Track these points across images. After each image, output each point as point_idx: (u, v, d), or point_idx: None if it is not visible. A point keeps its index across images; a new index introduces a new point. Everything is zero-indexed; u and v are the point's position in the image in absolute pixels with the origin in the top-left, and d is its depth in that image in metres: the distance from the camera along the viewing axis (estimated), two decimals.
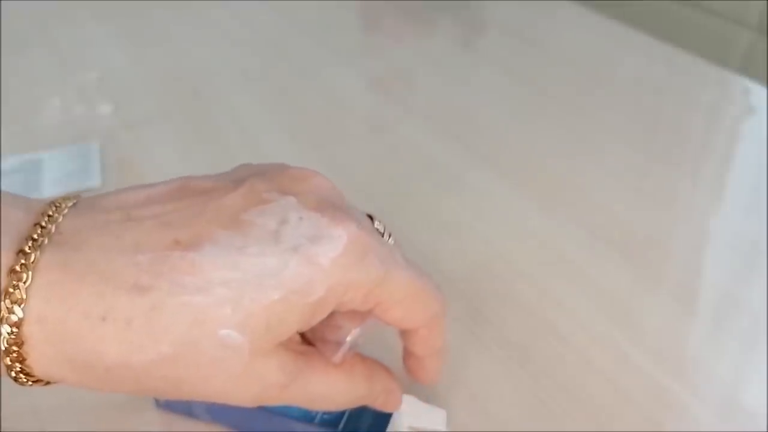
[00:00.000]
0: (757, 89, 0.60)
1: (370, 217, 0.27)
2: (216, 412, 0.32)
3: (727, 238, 0.44)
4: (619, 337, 0.37)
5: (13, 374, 0.22)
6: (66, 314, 0.21)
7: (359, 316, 0.25)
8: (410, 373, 0.28)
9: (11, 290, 0.20)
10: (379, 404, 0.28)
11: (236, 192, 0.23)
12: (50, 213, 0.22)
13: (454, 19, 0.73)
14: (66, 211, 0.23)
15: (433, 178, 0.49)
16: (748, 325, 0.38)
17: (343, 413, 0.31)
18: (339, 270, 0.23)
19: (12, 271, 0.20)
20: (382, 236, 0.26)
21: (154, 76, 0.61)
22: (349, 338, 0.25)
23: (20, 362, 0.21)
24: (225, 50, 0.66)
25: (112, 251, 0.21)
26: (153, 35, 0.68)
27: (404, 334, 0.27)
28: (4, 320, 0.20)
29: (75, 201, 0.24)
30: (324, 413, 0.30)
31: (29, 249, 0.21)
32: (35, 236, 0.21)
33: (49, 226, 0.22)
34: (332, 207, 0.24)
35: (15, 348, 0.21)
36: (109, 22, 0.70)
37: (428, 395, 0.33)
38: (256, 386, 0.23)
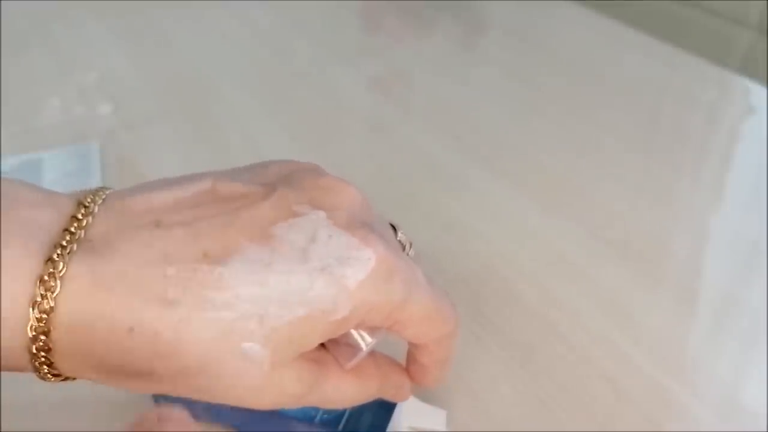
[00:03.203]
0: (757, 89, 0.60)
1: (393, 227, 0.26)
2: (216, 412, 0.32)
3: (727, 238, 0.44)
4: (619, 337, 0.37)
5: (40, 375, 0.22)
6: (94, 324, 0.21)
7: (376, 326, 0.25)
8: (412, 377, 0.28)
9: (39, 300, 0.20)
10: (389, 398, 0.28)
11: (266, 202, 0.23)
12: (79, 216, 0.22)
13: (454, 19, 0.73)
14: (96, 210, 0.23)
15: (433, 178, 0.49)
16: (748, 325, 0.38)
17: (343, 413, 0.31)
18: (364, 292, 0.23)
19: (41, 280, 0.20)
20: (404, 249, 0.26)
21: (154, 76, 0.61)
22: (364, 348, 0.25)
23: (48, 365, 0.22)
24: (225, 50, 0.66)
25: (141, 262, 0.21)
26: (153, 35, 0.68)
27: (413, 344, 0.27)
28: (32, 328, 0.21)
29: (104, 197, 0.23)
30: (324, 413, 0.30)
31: (57, 257, 0.21)
32: (64, 243, 0.21)
33: (78, 232, 0.22)
34: (362, 225, 0.23)
35: (43, 354, 0.21)
36: (109, 22, 0.70)
37: (428, 395, 0.33)
38: (274, 395, 0.23)
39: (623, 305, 0.39)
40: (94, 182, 0.48)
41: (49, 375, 0.22)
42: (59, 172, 0.49)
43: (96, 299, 0.21)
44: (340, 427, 0.30)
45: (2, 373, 0.22)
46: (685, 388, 0.35)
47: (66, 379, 0.23)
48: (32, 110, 0.56)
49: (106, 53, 0.65)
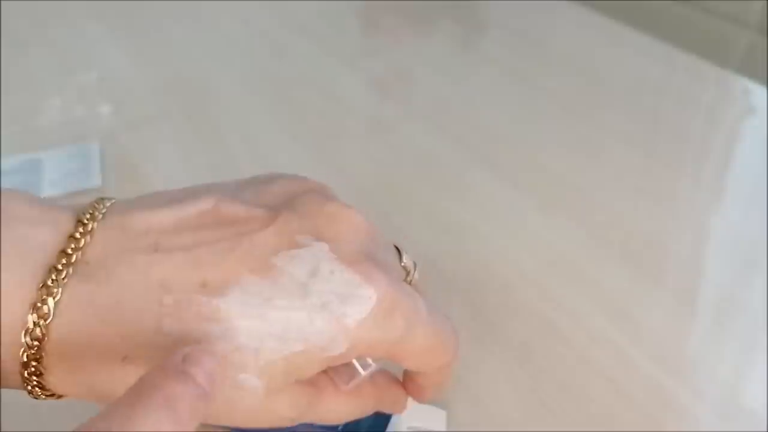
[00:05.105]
0: (757, 89, 0.60)
1: (398, 250, 0.26)
2: None
3: (727, 238, 0.44)
4: (619, 337, 0.37)
5: (33, 396, 0.22)
6: (87, 352, 0.21)
7: None
8: (408, 392, 0.28)
9: (32, 327, 0.20)
10: (385, 410, 0.28)
11: (268, 230, 0.23)
12: (77, 235, 0.22)
13: (454, 19, 0.73)
14: (95, 227, 0.22)
15: (434, 178, 0.49)
16: (748, 325, 0.38)
17: None
18: (363, 330, 0.22)
19: (34, 307, 0.20)
20: (408, 274, 0.26)
21: (154, 76, 0.61)
22: (363, 374, 0.25)
23: (40, 388, 0.21)
24: (225, 50, 0.66)
25: (137, 289, 0.21)
26: (153, 35, 0.68)
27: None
28: (24, 354, 0.20)
29: (104, 211, 0.23)
30: None
31: (52, 282, 0.20)
32: (60, 266, 0.21)
33: (75, 253, 0.21)
34: (365, 259, 0.23)
35: (35, 378, 0.21)
36: (109, 22, 0.70)
37: None
38: (268, 419, 0.23)
39: (623, 305, 0.39)
40: (94, 182, 0.48)
41: (42, 396, 0.22)
42: (59, 172, 0.49)
43: (90, 328, 0.20)
44: (340, 427, 0.30)
45: None
46: (685, 388, 0.35)
47: (59, 397, 0.22)
48: (32, 110, 0.56)
49: (106, 53, 0.65)
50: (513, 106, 0.58)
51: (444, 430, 0.32)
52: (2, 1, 0.71)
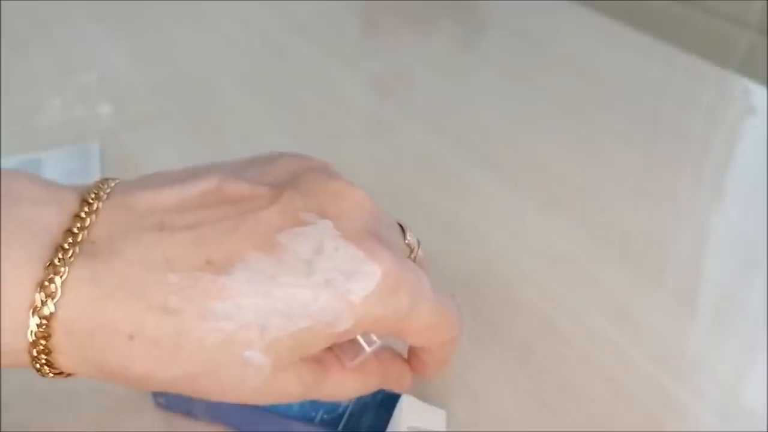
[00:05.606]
0: (757, 89, 0.60)
1: (402, 228, 0.26)
2: (216, 412, 0.32)
3: (727, 238, 0.44)
4: (619, 337, 0.37)
5: (41, 374, 0.22)
6: (94, 329, 0.21)
7: None
8: (413, 369, 0.28)
9: (39, 305, 0.20)
10: (390, 388, 0.28)
11: (273, 207, 0.23)
12: (82, 215, 0.22)
13: (454, 19, 0.73)
14: (100, 206, 0.22)
15: (434, 178, 0.49)
16: (748, 325, 0.38)
17: (343, 413, 0.31)
18: (368, 306, 0.22)
19: (41, 285, 0.20)
20: (412, 251, 0.26)
21: (154, 76, 0.61)
22: (368, 350, 0.25)
23: (48, 366, 0.22)
24: (225, 50, 0.66)
25: (144, 267, 0.21)
26: (153, 35, 0.68)
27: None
28: (33, 333, 0.20)
29: (108, 191, 0.23)
30: (324, 413, 0.30)
31: (59, 261, 0.20)
32: (66, 245, 0.21)
33: (81, 233, 0.21)
34: (369, 236, 0.23)
35: (44, 356, 0.21)
36: (109, 22, 0.70)
37: (428, 395, 0.33)
38: (274, 395, 0.23)
39: (623, 305, 0.39)
40: None
41: (50, 374, 0.22)
42: (59, 172, 0.49)
43: (97, 306, 0.21)
44: (340, 427, 0.30)
45: (3, 370, 0.22)
46: (685, 388, 0.35)
47: (68, 375, 0.23)
48: (32, 110, 0.56)
49: (106, 53, 0.65)
50: (513, 106, 0.58)
51: (444, 430, 0.32)
52: (2, 1, 0.71)
